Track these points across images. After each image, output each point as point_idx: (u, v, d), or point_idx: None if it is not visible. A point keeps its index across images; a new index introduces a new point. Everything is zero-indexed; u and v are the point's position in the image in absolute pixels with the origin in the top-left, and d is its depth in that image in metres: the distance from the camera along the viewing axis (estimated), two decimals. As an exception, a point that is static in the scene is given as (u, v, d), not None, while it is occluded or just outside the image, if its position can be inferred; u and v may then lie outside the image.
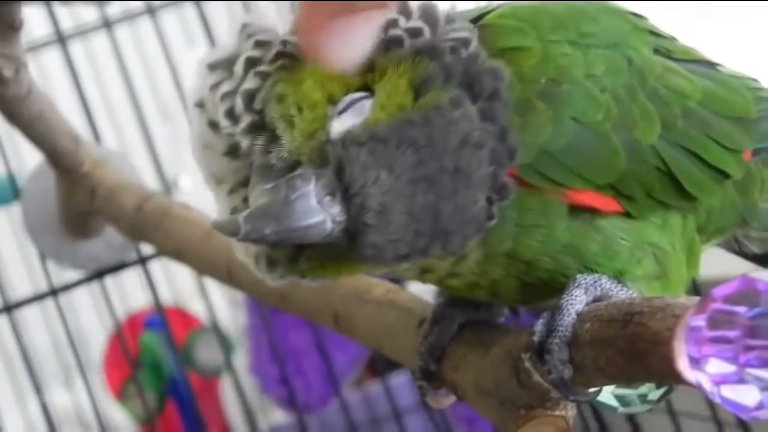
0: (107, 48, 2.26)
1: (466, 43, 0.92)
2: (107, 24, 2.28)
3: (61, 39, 2.18)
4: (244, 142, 0.88)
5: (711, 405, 1.94)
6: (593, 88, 0.96)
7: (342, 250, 0.89)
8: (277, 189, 0.86)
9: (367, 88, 0.89)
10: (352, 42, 0.89)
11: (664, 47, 1.04)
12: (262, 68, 0.90)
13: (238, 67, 0.90)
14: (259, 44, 0.91)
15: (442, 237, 0.89)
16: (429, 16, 0.93)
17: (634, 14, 1.06)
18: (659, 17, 1.08)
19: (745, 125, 1.06)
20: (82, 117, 2.08)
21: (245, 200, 0.90)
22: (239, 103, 0.88)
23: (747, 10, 1.93)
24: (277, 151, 0.87)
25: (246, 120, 0.88)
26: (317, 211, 0.85)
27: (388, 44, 0.91)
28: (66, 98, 2.04)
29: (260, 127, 0.88)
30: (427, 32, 0.91)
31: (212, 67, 0.92)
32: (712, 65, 1.08)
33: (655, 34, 1.05)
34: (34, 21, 2.08)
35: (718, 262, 1.21)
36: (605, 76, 0.97)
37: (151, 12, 2.33)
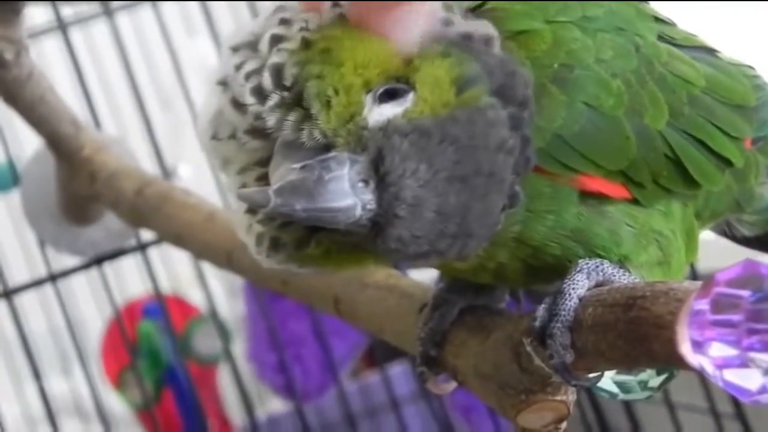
0: (108, 36, 2.26)
1: (494, 40, 0.92)
2: (108, 12, 2.27)
3: (61, 26, 2.18)
4: (272, 120, 0.86)
5: (709, 397, 1.94)
6: (604, 73, 0.96)
7: (358, 241, 0.88)
8: (311, 168, 0.85)
9: (405, 78, 0.89)
10: (413, 22, 0.89)
11: (667, 33, 1.04)
12: (288, 45, 0.88)
13: (263, 45, 0.88)
14: (283, 21, 0.90)
15: (463, 239, 0.89)
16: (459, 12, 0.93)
17: None
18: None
19: (745, 113, 1.06)
20: (83, 104, 2.08)
21: (258, 179, 0.89)
22: (267, 79, 0.87)
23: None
24: (309, 131, 0.86)
25: (275, 97, 0.86)
26: (349, 194, 0.85)
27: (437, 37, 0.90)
28: (66, 85, 2.04)
29: (290, 104, 0.87)
30: (471, 29, 0.91)
31: (235, 48, 0.90)
32: (712, 52, 1.09)
33: (657, 19, 1.05)
34: (34, 7, 2.07)
35: (716, 254, 1.21)
36: (614, 60, 0.97)
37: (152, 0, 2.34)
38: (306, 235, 0.89)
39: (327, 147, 0.86)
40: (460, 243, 0.89)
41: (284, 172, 0.86)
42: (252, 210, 0.90)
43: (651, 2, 1.07)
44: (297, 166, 0.85)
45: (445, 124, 0.86)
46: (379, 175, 0.85)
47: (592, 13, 0.99)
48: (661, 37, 1.03)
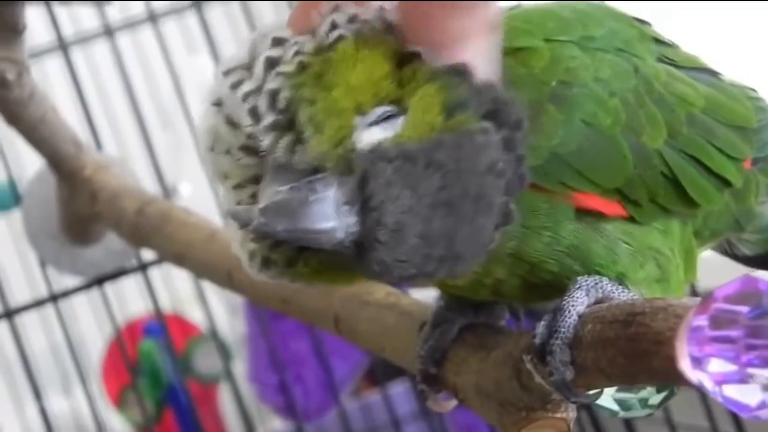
0: (108, 55, 2.27)
1: None
2: (109, 31, 2.28)
3: (62, 46, 2.18)
4: (266, 141, 0.87)
5: (710, 417, 1.94)
6: (602, 92, 0.97)
7: (346, 260, 0.89)
8: (297, 189, 0.86)
9: (397, 101, 0.89)
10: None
11: (668, 55, 1.05)
12: (284, 68, 0.89)
13: (258, 67, 0.89)
14: (276, 42, 0.90)
15: (451, 262, 0.88)
16: None
17: (638, 20, 1.06)
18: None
19: (746, 134, 1.06)
20: (83, 124, 2.09)
21: (252, 196, 0.90)
22: (263, 103, 0.87)
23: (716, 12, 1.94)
24: (301, 153, 0.87)
25: (269, 119, 0.87)
26: (332, 217, 0.85)
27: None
28: (67, 105, 2.04)
29: (283, 127, 0.87)
30: None
31: (228, 72, 0.91)
32: (714, 73, 1.09)
33: (658, 41, 1.06)
34: (36, 28, 2.08)
35: (716, 272, 1.21)
36: (612, 80, 0.98)
37: (152, 19, 2.34)
38: (295, 255, 0.90)
39: (317, 170, 0.87)
40: (447, 265, 0.88)
41: (272, 192, 0.87)
42: None
43: (656, 1, 1.08)
44: (285, 187, 0.86)
45: (431, 148, 0.86)
46: (362, 198, 0.85)
47: (592, 33, 1.00)
48: (661, 59, 1.04)
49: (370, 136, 0.87)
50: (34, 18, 1.57)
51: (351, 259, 0.87)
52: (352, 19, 0.90)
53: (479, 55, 0.89)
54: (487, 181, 0.87)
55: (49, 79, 2.39)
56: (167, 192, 2.17)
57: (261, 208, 0.85)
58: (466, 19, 0.88)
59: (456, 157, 0.86)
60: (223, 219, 1.87)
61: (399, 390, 2.74)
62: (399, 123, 0.88)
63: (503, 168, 0.88)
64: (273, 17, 2.63)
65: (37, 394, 2.09)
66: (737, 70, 1.15)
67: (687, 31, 1.10)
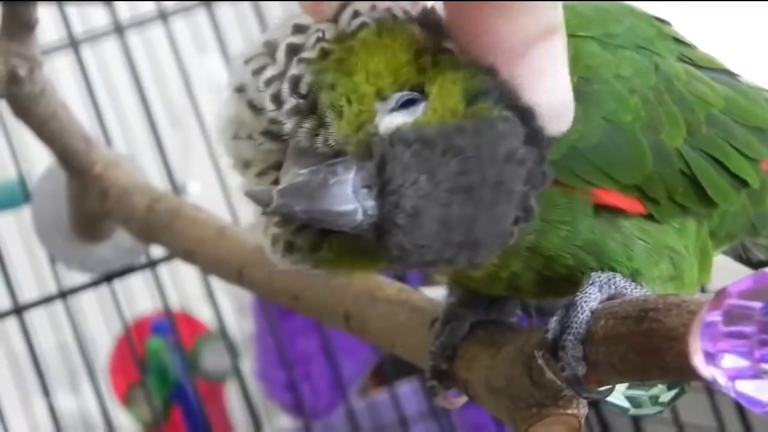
0: (118, 53, 2.27)
1: None
2: (119, 29, 2.28)
3: (73, 44, 2.19)
4: (288, 125, 0.88)
5: (718, 417, 1.94)
6: (623, 89, 0.97)
7: (367, 245, 0.89)
8: (317, 172, 0.86)
9: (419, 87, 0.89)
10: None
11: (687, 55, 1.05)
12: (306, 55, 0.89)
13: (280, 54, 0.90)
14: (297, 29, 0.91)
15: (471, 249, 0.88)
16: None
17: (658, 19, 1.06)
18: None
19: (763, 135, 1.07)
20: (93, 121, 2.09)
21: (274, 183, 0.90)
22: (286, 88, 0.88)
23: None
24: (323, 137, 0.87)
25: (291, 103, 0.88)
26: (351, 199, 0.85)
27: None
28: (77, 103, 2.04)
29: (305, 112, 0.88)
30: None
31: (250, 59, 0.91)
32: (732, 75, 1.10)
33: (677, 41, 1.06)
34: (46, 26, 2.08)
35: (728, 275, 1.21)
36: (633, 77, 0.98)
37: (162, 18, 2.35)
38: (319, 240, 0.90)
39: (338, 154, 0.87)
40: (467, 252, 0.89)
41: (292, 175, 0.87)
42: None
43: (676, 1, 1.08)
44: (305, 170, 0.87)
45: (450, 134, 0.86)
46: (381, 182, 0.86)
47: (613, 30, 1.00)
48: (681, 59, 1.04)
49: (390, 121, 0.87)
50: (44, 16, 1.57)
51: (372, 244, 0.88)
52: (373, 8, 0.91)
53: (541, 67, 0.89)
54: (507, 169, 0.87)
55: (59, 77, 2.39)
56: (176, 190, 2.17)
57: (280, 189, 0.86)
58: (522, 20, 0.87)
59: (475, 143, 0.86)
60: (234, 218, 1.88)
61: (407, 389, 2.73)
62: (420, 109, 0.88)
63: (524, 156, 0.88)
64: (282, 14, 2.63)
65: (46, 391, 2.09)
66: (755, 72, 1.15)
67: (706, 32, 1.10)
